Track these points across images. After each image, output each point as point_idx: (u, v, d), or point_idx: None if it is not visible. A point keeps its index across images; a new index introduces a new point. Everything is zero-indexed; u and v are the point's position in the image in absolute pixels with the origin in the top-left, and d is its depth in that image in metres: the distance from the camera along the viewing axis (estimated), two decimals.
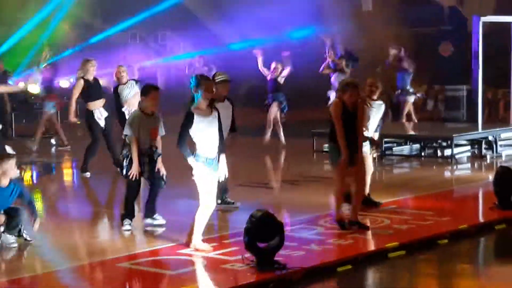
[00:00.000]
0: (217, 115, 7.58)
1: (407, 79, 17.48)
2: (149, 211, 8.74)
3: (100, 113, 12.40)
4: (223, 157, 7.64)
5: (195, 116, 7.44)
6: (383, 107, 9.59)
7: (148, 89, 8.71)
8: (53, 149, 16.77)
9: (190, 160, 7.47)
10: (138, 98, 9.58)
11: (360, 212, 8.76)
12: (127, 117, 10.29)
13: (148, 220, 8.73)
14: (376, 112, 9.45)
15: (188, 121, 7.45)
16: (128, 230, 8.53)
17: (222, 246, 7.76)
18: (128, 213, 8.59)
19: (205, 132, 7.48)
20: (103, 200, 11.35)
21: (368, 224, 8.54)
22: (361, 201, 8.75)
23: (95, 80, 12.64)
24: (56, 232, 8.85)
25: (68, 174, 14.45)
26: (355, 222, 8.46)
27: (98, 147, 12.51)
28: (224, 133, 7.91)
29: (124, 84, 12.43)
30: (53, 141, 17.23)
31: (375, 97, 9.46)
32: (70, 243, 8.35)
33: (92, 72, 12.51)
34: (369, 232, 8.44)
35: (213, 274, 6.98)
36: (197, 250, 7.52)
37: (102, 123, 12.42)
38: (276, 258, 6.93)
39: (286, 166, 14.19)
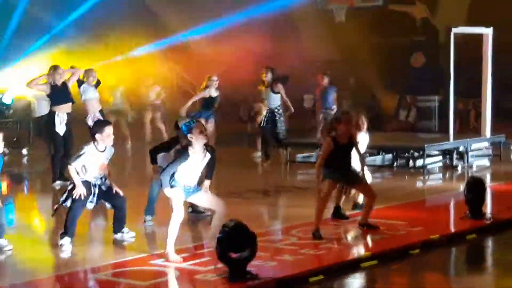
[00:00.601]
0: (208, 158, 7.72)
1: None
2: (118, 228, 8.69)
3: (61, 118, 12.37)
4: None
5: (189, 157, 7.54)
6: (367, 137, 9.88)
7: (102, 125, 8.67)
8: (24, 159, 16.64)
9: (167, 190, 7.52)
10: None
11: (334, 223, 8.78)
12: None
13: (118, 235, 8.67)
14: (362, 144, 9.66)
15: (183, 159, 7.52)
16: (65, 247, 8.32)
17: (195, 257, 7.73)
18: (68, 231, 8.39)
19: (191, 169, 7.60)
20: None
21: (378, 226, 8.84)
22: (371, 208, 8.94)
23: (63, 84, 12.64)
24: (26, 243, 8.76)
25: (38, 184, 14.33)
26: (364, 224, 8.83)
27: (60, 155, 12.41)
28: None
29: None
30: (24, 151, 17.10)
31: (363, 132, 9.72)
32: (40, 255, 8.27)
33: (58, 78, 12.55)
34: (342, 242, 8.47)
35: (185, 285, 6.95)
36: (167, 261, 7.48)
37: (61, 129, 12.37)
38: (248, 269, 6.91)
39: (259, 176, 14.20)
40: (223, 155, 14.77)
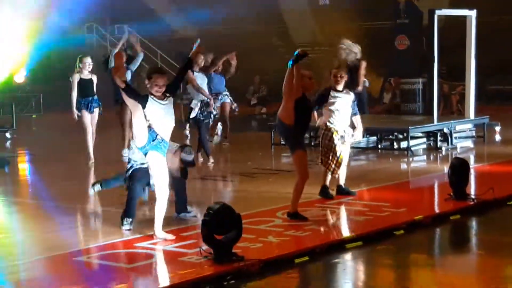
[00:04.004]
0: (172, 100, 7.68)
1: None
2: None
3: None
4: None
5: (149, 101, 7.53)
6: (351, 96, 9.70)
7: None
8: (7, 143, 16.56)
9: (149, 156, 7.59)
10: None
11: (318, 205, 8.78)
12: None
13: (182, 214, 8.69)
14: (345, 102, 9.54)
15: (143, 102, 7.51)
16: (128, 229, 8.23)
17: (180, 239, 7.73)
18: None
19: (160, 114, 7.59)
20: (58, 194, 11.20)
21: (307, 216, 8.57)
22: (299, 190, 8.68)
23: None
24: (11, 226, 8.73)
25: (22, 168, 14.28)
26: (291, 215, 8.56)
27: None
28: None
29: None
30: (8, 134, 17.02)
31: (340, 87, 9.54)
32: (24, 238, 8.25)
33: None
34: (327, 224, 8.50)
35: (170, 267, 6.96)
36: (158, 239, 7.51)
37: None
38: (233, 251, 6.92)
39: (244, 158, 14.19)
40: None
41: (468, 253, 7.95)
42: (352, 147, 14.41)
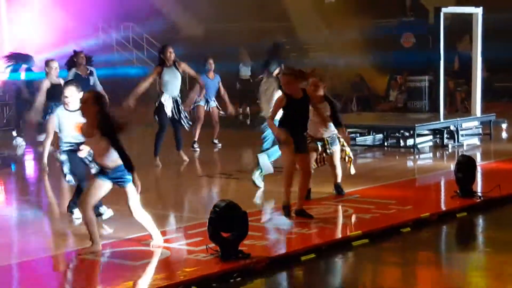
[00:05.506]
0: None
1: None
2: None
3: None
4: None
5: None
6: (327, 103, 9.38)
7: None
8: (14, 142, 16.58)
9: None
10: None
11: (325, 202, 8.77)
12: None
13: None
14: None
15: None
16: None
17: (187, 237, 7.74)
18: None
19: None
20: (63, 192, 11.22)
21: (313, 214, 8.51)
22: (305, 191, 8.72)
23: None
24: (17, 224, 8.75)
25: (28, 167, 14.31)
26: (299, 211, 8.51)
27: None
28: None
29: None
30: (14, 133, 17.05)
31: (321, 93, 9.31)
32: (31, 236, 8.27)
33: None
34: (333, 221, 8.50)
35: (177, 265, 6.96)
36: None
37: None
38: (240, 248, 6.93)
39: (248, 156, 14.19)
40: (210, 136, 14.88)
41: (475, 250, 7.94)
42: (358, 145, 14.53)
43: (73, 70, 13.33)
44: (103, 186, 7.27)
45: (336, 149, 9.56)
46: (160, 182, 11.77)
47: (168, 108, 12.30)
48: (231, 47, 22.14)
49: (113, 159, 7.12)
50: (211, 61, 14.70)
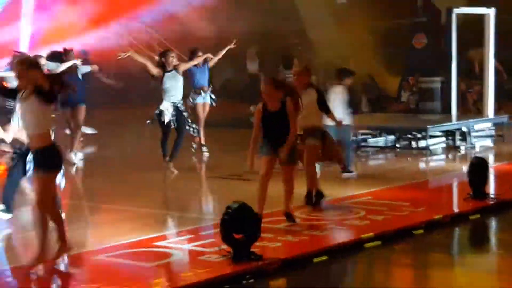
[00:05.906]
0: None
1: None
2: None
3: None
4: None
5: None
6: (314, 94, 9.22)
7: None
8: None
9: None
10: None
11: (337, 204, 8.77)
12: None
13: None
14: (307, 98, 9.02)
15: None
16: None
17: (199, 238, 7.74)
18: None
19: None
20: (76, 193, 11.26)
21: (297, 220, 8.37)
22: (289, 198, 8.51)
23: None
24: (27, 226, 8.76)
25: None
26: (287, 214, 8.39)
27: None
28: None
29: None
30: None
31: (305, 81, 9.17)
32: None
33: None
34: (346, 223, 8.48)
35: (189, 266, 6.97)
36: None
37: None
38: (252, 250, 6.92)
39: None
40: (221, 137, 14.87)
41: (488, 252, 7.92)
42: (370, 146, 14.50)
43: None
44: None
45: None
46: (171, 183, 11.76)
47: (167, 117, 12.07)
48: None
49: None
50: (200, 53, 13.99)
